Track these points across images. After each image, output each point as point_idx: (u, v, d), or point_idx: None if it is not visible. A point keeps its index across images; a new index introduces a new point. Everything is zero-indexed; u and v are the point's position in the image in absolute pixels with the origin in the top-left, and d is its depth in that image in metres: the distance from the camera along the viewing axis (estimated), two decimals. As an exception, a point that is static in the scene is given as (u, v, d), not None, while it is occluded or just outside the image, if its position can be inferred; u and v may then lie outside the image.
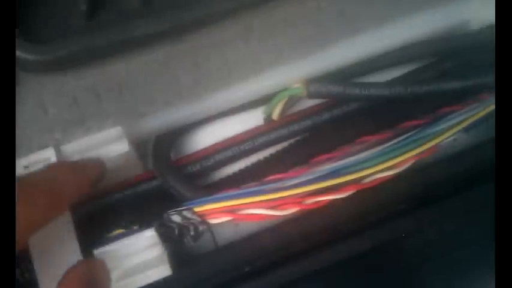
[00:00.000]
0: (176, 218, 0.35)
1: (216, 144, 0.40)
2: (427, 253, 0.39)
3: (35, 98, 0.35)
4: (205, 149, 0.40)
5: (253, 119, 0.41)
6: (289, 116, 0.40)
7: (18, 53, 0.34)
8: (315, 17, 0.37)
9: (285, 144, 0.40)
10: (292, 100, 0.40)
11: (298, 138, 0.40)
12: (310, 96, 0.39)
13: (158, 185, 0.38)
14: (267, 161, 0.40)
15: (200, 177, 0.40)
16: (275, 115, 0.40)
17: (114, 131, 0.35)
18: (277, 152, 0.40)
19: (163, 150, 0.39)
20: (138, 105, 0.36)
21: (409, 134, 0.37)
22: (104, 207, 0.38)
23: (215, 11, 0.36)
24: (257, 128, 0.40)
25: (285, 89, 0.39)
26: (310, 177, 0.35)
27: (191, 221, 0.35)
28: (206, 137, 0.41)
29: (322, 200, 0.36)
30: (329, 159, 0.37)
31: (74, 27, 0.36)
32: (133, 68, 0.36)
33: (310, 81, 0.38)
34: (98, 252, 0.34)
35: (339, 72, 0.39)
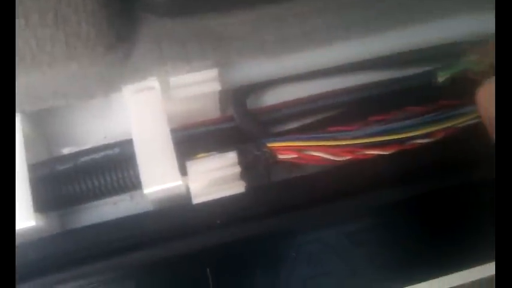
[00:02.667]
0: (253, 148, 0.43)
1: (287, 101, 0.48)
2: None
3: (153, 36, 0.43)
4: (278, 104, 0.48)
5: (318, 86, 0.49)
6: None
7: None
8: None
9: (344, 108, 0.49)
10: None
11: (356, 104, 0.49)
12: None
13: (234, 127, 0.46)
14: (329, 118, 0.48)
15: (270, 126, 0.48)
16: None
17: (212, 72, 0.44)
18: (338, 112, 0.48)
19: (242, 98, 0.47)
20: (231, 55, 0.45)
21: (442, 111, 0.46)
22: (191, 137, 0.45)
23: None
24: (322, 93, 0.49)
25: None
26: (366, 132, 0.44)
27: (264, 153, 0.43)
28: (278, 95, 0.49)
29: (370, 154, 0.44)
30: (382, 120, 0.45)
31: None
32: (232, 24, 0.45)
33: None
34: (189, 164, 0.42)
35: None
